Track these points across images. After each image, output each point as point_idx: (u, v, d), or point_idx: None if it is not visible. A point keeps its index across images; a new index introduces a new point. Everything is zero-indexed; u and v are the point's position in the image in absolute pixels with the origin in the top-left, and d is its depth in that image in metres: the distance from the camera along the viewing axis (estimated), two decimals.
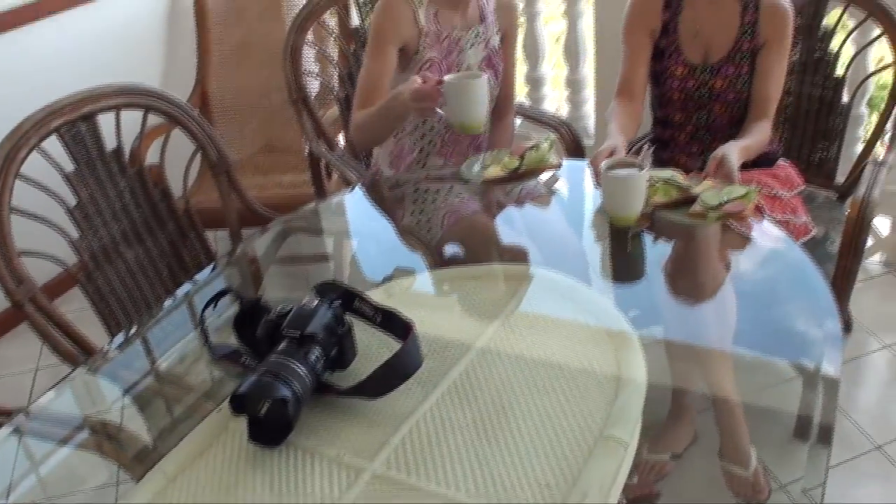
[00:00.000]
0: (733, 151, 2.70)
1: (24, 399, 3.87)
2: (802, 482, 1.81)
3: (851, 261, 2.78)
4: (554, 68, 5.14)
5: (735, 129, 3.02)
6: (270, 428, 1.65)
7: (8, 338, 4.29)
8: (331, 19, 3.92)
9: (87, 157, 2.67)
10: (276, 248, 2.80)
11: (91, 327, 2.59)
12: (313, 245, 3.06)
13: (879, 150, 3.27)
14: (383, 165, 3.17)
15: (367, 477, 1.59)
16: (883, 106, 3.29)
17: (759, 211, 2.80)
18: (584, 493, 1.50)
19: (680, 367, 2.31)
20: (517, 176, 2.72)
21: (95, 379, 2.27)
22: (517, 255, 2.65)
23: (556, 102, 5.22)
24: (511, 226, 2.89)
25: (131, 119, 2.75)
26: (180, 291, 2.67)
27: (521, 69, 4.63)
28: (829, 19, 3.41)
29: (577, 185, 2.89)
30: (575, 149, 3.33)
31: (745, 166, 2.81)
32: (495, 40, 3.08)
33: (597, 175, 2.54)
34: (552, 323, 2.01)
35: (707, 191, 2.45)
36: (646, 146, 3.27)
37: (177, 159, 2.89)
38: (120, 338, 2.46)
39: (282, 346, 1.71)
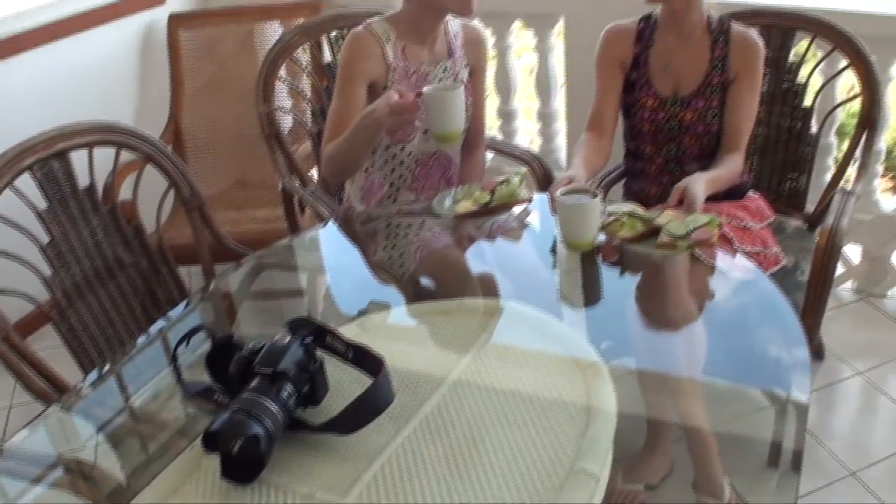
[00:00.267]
0: (698, 182, 2.73)
1: None
2: None
3: (821, 289, 2.80)
4: (527, 99, 5.16)
5: (705, 161, 3.05)
6: (243, 465, 1.66)
7: None
8: (303, 55, 3.94)
9: (60, 195, 2.67)
10: (249, 283, 2.81)
11: (64, 365, 2.58)
12: (287, 280, 3.06)
13: (848, 179, 3.31)
14: (355, 201, 3.18)
15: None
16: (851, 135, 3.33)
17: (729, 243, 2.83)
18: None
19: (653, 397, 2.33)
20: (488, 210, 2.73)
21: (69, 417, 2.26)
22: (489, 289, 2.67)
23: (529, 134, 5.24)
24: (483, 259, 2.90)
25: (104, 156, 2.75)
26: (153, 328, 2.67)
27: (493, 102, 4.66)
28: (798, 49, 3.45)
29: (548, 219, 2.91)
30: (546, 182, 3.35)
31: (715, 198, 2.84)
32: (464, 74, 3.10)
33: (553, 203, 2.57)
34: (523, 356, 2.02)
35: (671, 221, 2.48)
36: (597, 179, 3.28)
37: (150, 195, 2.89)
38: (93, 375, 2.46)
39: (254, 383, 1.72)
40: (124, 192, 3.01)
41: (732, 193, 3.04)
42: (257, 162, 4.38)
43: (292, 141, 3.99)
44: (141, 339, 2.69)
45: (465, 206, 2.73)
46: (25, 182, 2.57)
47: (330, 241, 3.02)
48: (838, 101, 3.74)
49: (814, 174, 3.48)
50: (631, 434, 2.14)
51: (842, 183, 3.32)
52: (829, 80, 3.58)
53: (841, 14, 3.60)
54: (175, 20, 4.63)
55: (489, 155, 3.66)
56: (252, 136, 4.06)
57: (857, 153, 3.30)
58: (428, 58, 3.04)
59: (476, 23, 3.24)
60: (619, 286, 2.67)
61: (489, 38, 4.30)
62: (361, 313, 2.50)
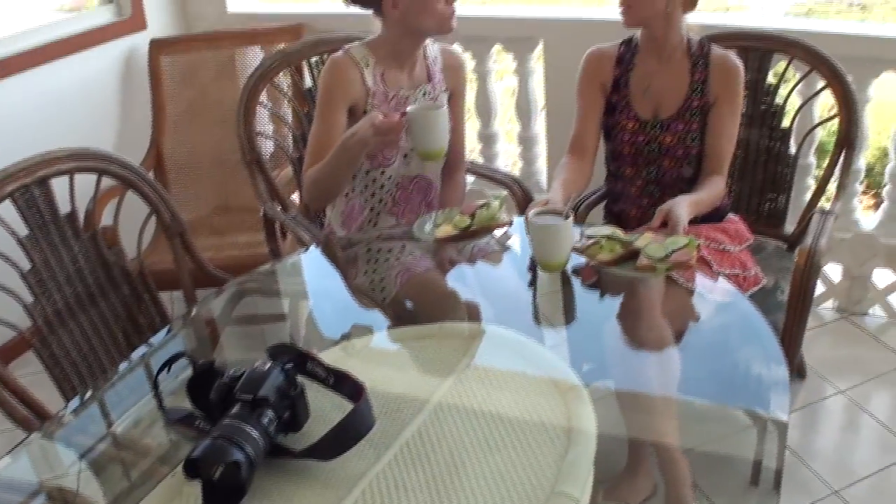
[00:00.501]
0: (682, 205, 2.75)
1: None
2: None
3: (801, 309, 2.82)
4: (508, 122, 5.17)
5: (685, 183, 3.07)
6: (224, 492, 1.66)
7: None
8: (284, 80, 3.95)
9: (41, 222, 2.66)
10: (231, 309, 2.81)
11: (46, 391, 2.58)
12: (269, 305, 3.07)
13: (828, 198, 3.33)
14: (336, 226, 3.18)
15: None
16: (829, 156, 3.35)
17: (708, 266, 2.84)
18: None
19: (633, 418, 2.34)
20: (469, 234, 2.74)
21: (51, 444, 2.26)
22: (470, 313, 2.67)
23: (510, 157, 5.25)
24: (464, 283, 2.91)
25: (85, 182, 2.76)
26: (135, 354, 2.67)
27: (474, 125, 4.67)
28: (776, 70, 3.48)
29: (528, 242, 2.93)
30: (527, 205, 3.35)
31: (695, 221, 2.85)
32: (443, 98, 3.11)
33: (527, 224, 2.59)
34: (504, 379, 2.02)
35: (650, 244, 2.49)
36: (571, 201, 3.29)
37: (131, 220, 2.89)
38: (75, 402, 2.46)
39: (235, 409, 1.72)
40: (106, 218, 3.01)
41: (712, 216, 3.05)
42: (239, 187, 4.38)
43: (273, 166, 4.01)
44: (123, 366, 2.70)
45: (446, 230, 2.73)
46: (6, 209, 2.56)
47: (312, 266, 3.03)
48: (816, 121, 3.76)
49: (793, 194, 3.50)
50: (613, 455, 2.15)
51: (821, 202, 3.34)
52: (807, 101, 3.61)
53: (818, 35, 3.64)
54: (156, 46, 4.65)
55: (470, 178, 3.67)
56: (233, 161, 4.06)
57: (836, 173, 3.32)
58: (407, 82, 3.05)
59: (455, 47, 3.26)
60: (599, 308, 2.68)
61: (469, 63, 4.32)
62: (345, 337, 2.51)
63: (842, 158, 3.30)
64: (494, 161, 4.72)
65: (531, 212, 2.56)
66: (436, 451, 1.78)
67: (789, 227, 3.47)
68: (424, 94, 3.07)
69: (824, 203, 3.31)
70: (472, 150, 4.89)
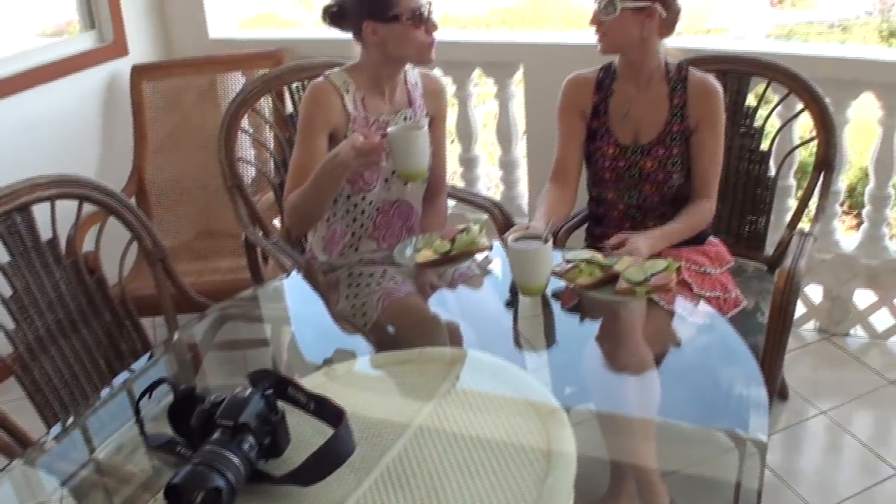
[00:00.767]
0: (645, 237, 2.84)
1: None
2: None
3: (781, 330, 2.84)
4: (491, 146, 5.18)
5: (666, 207, 3.08)
6: None
7: None
8: (265, 104, 3.96)
9: (23, 248, 2.66)
10: (213, 334, 2.81)
11: (27, 418, 2.57)
12: (251, 331, 3.07)
13: (809, 219, 3.35)
14: (317, 251, 3.19)
15: None
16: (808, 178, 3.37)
17: (689, 289, 2.85)
18: None
19: (614, 441, 2.35)
20: (449, 259, 2.75)
21: (33, 471, 2.26)
22: (451, 337, 2.68)
23: (492, 181, 5.26)
24: (445, 307, 2.92)
25: (67, 208, 2.76)
26: (117, 380, 2.67)
27: (455, 149, 4.68)
28: (755, 93, 3.50)
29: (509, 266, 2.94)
30: (507, 229, 3.36)
31: (675, 243, 2.87)
32: (424, 123, 3.12)
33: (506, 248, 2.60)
34: (484, 404, 2.03)
35: (629, 268, 2.50)
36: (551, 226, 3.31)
37: (113, 246, 2.89)
38: (57, 429, 2.45)
39: (215, 435, 1.72)
40: (87, 244, 3.01)
41: (692, 239, 3.07)
42: (221, 212, 4.38)
43: (255, 191, 4.01)
44: (104, 392, 2.69)
45: (426, 254, 2.74)
46: None
47: (294, 291, 3.03)
48: (796, 143, 3.79)
49: (773, 216, 3.52)
50: (595, 478, 2.16)
51: (801, 224, 3.36)
52: (786, 124, 3.63)
53: (797, 58, 3.67)
54: (138, 71, 4.65)
55: (451, 202, 3.68)
56: (216, 187, 4.07)
57: (815, 195, 3.34)
58: (388, 108, 3.07)
59: (436, 72, 3.27)
60: (579, 332, 2.69)
61: (450, 87, 4.33)
62: (327, 362, 2.52)
63: (821, 180, 3.33)
64: (475, 184, 4.73)
65: (509, 237, 2.58)
66: (416, 475, 1.79)
67: (769, 248, 3.48)
68: (405, 119, 3.09)
69: (804, 225, 3.33)
70: (455, 172, 4.90)
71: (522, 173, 4.69)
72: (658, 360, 2.52)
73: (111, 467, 2.32)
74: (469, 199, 3.73)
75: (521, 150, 4.65)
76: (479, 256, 2.85)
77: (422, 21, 2.93)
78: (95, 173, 4.50)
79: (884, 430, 3.73)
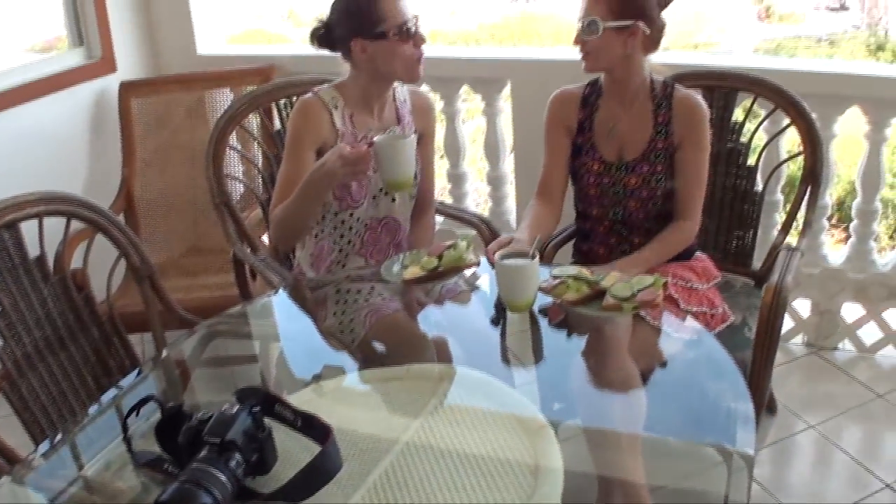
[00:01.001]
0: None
1: None
2: None
3: (768, 345, 2.84)
4: (480, 161, 5.19)
5: (651, 223, 3.08)
6: None
7: None
8: (254, 120, 3.96)
9: (11, 265, 2.66)
10: (201, 351, 2.81)
11: (15, 435, 2.56)
12: (240, 347, 3.07)
13: (796, 233, 3.36)
14: (305, 267, 3.19)
15: None
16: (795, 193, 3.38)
17: (675, 304, 2.86)
18: None
19: (602, 456, 2.36)
20: (436, 275, 2.74)
21: (21, 488, 2.25)
22: (439, 354, 2.68)
23: (480, 196, 5.26)
24: (433, 324, 2.92)
25: (55, 224, 2.76)
26: (105, 397, 2.66)
27: (443, 165, 4.69)
28: (744, 105, 3.51)
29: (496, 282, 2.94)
30: None
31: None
32: (411, 133, 3.11)
33: (492, 265, 2.60)
34: (471, 420, 2.03)
35: (616, 283, 2.51)
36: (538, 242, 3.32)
37: (101, 262, 2.89)
38: (45, 445, 2.45)
39: (203, 453, 1.73)
40: (75, 261, 3.01)
41: (679, 254, 3.07)
42: (210, 228, 4.37)
43: (243, 207, 4.01)
44: (93, 409, 2.69)
45: (413, 271, 2.74)
46: None
47: (282, 307, 3.03)
48: (783, 157, 3.80)
49: (761, 231, 3.53)
50: (584, 494, 2.16)
51: (788, 239, 3.37)
52: (772, 139, 3.64)
53: (783, 73, 3.68)
54: (126, 88, 4.65)
55: (439, 218, 3.68)
56: (204, 203, 4.05)
57: (802, 209, 3.35)
58: (376, 124, 3.07)
59: (424, 88, 3.28)
60: (568, 347, 2.70)
61: (437, 103, 4.34)
62: (316, 378, 2.52)
63: (807, 195, 3.34)
64: (464, 200, 4.73)
65: (497, 253, 2.58)
66: (404, 491, 1.79)
67: (757, 263, 3.49)
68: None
69: (792, 239, 3.34)
70: (443, 188, 4.91)
71: (510, 189, 4.69)
72: (645, 376, 2.53)
73: (99, 484, 2.31)
74: (456, 214, 3.73)
75: (509, 165, 4.66)
76: (467, 272, 2.85)
77: (409, 36, 2.93)
78: (84, 189, 4.50)
79: (873, 444, 3.74)
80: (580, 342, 2.74)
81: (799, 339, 4.34)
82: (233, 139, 3.66)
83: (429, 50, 3.00)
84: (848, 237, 4.24)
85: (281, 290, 3.05)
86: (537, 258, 2.51)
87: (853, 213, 4.14)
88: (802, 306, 4.31)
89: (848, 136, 4.12)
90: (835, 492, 3.44)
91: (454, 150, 4.64)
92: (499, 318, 2.74)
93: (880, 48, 17.88)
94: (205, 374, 2.82)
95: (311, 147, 2.97)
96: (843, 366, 4.16)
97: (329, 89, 3.05)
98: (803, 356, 4.26)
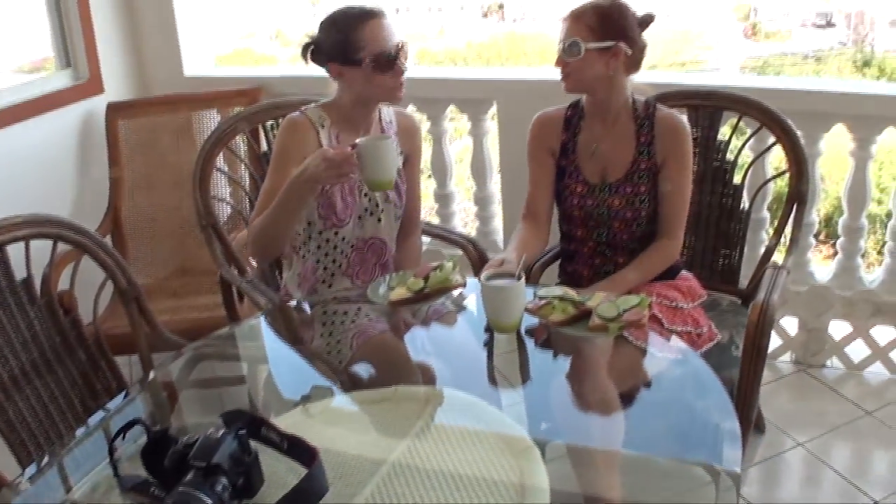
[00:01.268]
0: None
1: None
2: None
3: (755, 364, 2.84)
4: (467, 180, 5.20)
5: (636, 244, 3.09)
6: None
7: None
8: (241, 142, 3.96)
9: None
10: (188, 373, 2.80)
11: (1, 458, 2.57)
12: (227, 369, 3.07)
13: (782, 252, 3.37)
14: (292, 288, 3.19)
15: None
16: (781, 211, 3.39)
17: (659, 323, 2.86)
18: None
19: (586, 475, 2.37)
20: (423, 296, 2.74)
21: None
22: (425, 375, 2.68)
23: (469, 215, 5.26)
24: (419, 345, 2.92)
25: (42, 247, 2.76)
26: (92, 420, 2.66)
27: (430, 185, 4.69)
28: (730, 124, 3.52)
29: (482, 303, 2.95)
30: (482, 265, 3.36)
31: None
32: (399, 161, 3.13)
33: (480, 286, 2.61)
34: (458, 441, 2.04)
35: (602, 304, 2.51)
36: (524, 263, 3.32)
37: (88, 285, 2.89)
38: (32, 468, 2.44)
39: (189, 476, 1.73)
40: (62, 283, 3.01)
41: (664, 273, 3.08)
42: (197, 250, 4.36)
43: (230, 229, 4.01)
44: (80, 431, 2.69)
45: (400, 292, 2.74)
46: None
47: (269, 329, 3.03)
48: (769, 175, 3.81)
49: (747, 249, 3.54)
50: None
51: (774, 257, 3.37)
52: (757, 158, 3.66)
53: (768, 92, 3.70)
54: (113, 109, 4.64)
55: (426, 239, 3.69)
56: (191, 224, 4.05)
57: (788, 227, 3.36)
58: None
59: (410, 108, 3.28)
60: (554, 368, 2.70)
61: (424, 124, 4.35)
62: (304, 399, 2.52)
63: (793, 213, 3.35)
64: (451, 220, 4.74)
65: (482, 274, 2.59)
66: None
67: (744, 282, 3.50)
68: None
69: (779, 256, 3.35)
70: (431, 208, 4.91)
71: (497, 209, 4.70)
72: (629, 396, 2.53)
73: None
74: (443, 235, 3.73)
75: (496, 185, 4.66)
76: (454, 293, 2.85)
77: (387, 67, 2.92)
78: (71, 211, 4.50)
79: (861, 461, 3.75)
80: (566, 363, 2.74)
81: (787, 356, 4.34)
82: (220, 161, 3.66)
83: (415, 71, 3.01)
84: (835, 253, 4.25)
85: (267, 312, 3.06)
86: (523, 279, 2.51)
87: (840, 230, 4.15)
88: (790, 324, 4.32)
89: (835, 153, 4.13)
90: None
91: (441, 170, 4.64)
92: (491, 340, 2.74)
93: (867, 64, 17.98)
94: (192, 396, 2.82)
95: (296, 164, 2.94)
96: (831, 383, 4.17)
97: (316, 108, 3.06)
98: (791, 374, 4.26)
